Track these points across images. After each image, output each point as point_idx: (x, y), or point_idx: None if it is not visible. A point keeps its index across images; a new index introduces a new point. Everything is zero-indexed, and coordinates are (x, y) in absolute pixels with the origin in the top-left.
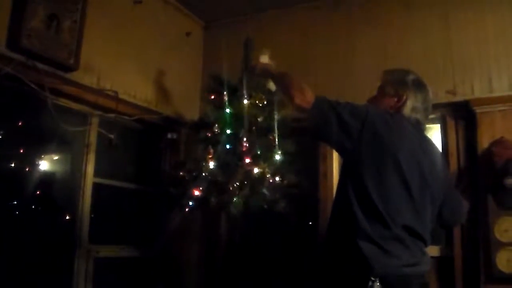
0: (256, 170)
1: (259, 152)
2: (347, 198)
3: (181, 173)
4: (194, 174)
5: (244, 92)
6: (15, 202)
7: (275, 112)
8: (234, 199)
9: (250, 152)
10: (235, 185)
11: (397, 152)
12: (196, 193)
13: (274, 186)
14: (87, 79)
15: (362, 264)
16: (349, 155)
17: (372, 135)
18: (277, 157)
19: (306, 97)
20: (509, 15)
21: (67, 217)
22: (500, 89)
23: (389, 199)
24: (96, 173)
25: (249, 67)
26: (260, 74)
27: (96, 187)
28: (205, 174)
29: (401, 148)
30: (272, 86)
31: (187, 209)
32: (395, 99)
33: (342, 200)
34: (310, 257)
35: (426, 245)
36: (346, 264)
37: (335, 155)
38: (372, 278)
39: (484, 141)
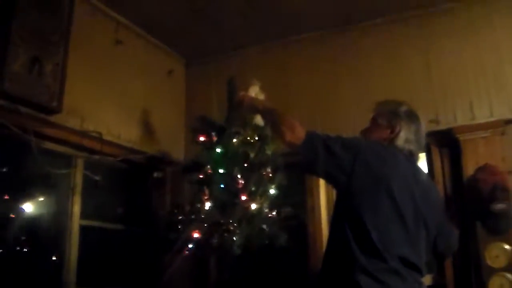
0: (253, 206)
1: (253, 189)
2: (342, 232)
3: (179, 217)
4: (191, 216)
5: (232, 130)
6: (3, 246)
7: (266, 147)
8: (234, 238)
9: (245, 189)
10: (235, 224)
11: (390, 184)
12: (196, 235)
13: (272, 220)
14: (71, 121)
15: None
16: (343, 188)
17: (364, 168)
18: (272, 191)
19: (296, 133)
20: (486, 44)
21: (55, 260)
22: (481, 116)
23: (384, 231)
24: (83, 215)
25: (235, 101)
26: (247, 109)
27: (83, 229)
28: (202, 215)
29: (394, 180)
30: (259, 121)
31: (187, 252)
32: (388, 131)
33: (337, 234)
34: None
35: (422, 275)
36: None
37: (323, 189)
38: None
39: (469, 168)
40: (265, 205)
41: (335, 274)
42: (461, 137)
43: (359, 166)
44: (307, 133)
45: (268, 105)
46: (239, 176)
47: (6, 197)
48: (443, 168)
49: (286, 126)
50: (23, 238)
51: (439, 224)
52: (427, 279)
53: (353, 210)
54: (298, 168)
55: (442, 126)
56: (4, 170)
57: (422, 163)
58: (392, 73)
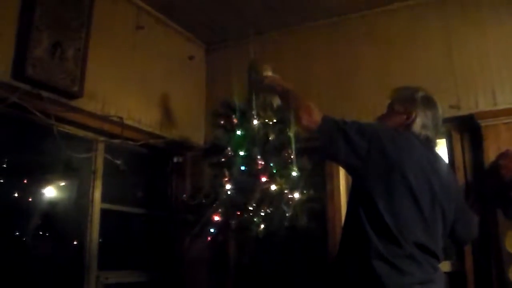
0: (273, 187)
1: (274, 171)
2: (358, 218)
3: (199, 200)
4: (211, 199)
5: (253, 112)
6: (24, 231)
7: (287, 129)
8: (255, 219)
9: (265, 170)
10: (254, 205)
11: (405, 169)
12: (216, 218)
13: (293, 202)
14: (92, 106)
15: (376, 283)
16: (358, 174)
17: (379, 154)
18: (294, 173)
19: (312, 118)
20: (510, 27)
21: (76, 244)
22: (504, 102)
23: (399, 216)
24: (104, 199)
25: (257, 80)
26: (266, 89)
27: (104, 213)
28: (223, 197)
29: (409, 165)
30: (277, 101)
31: (207, 235)
32: (404, 117)
33: (353, 220)
34: (320, 277)
35: (439, 261)
36: (360, 284)
37: (342, 174)
38: None
39: (490, 154)
40: (285, 186)
41: (351, 260)
42: (483, 123)
43: (374, 152)
44: (323, 118)
45: (287, 87)
46: (259, 157)
47: (28, 181)
48: (463, 154)
49: (303, 110)
50: (45, 222)
51: (458, 210)
52: (445, 266)
53: (368, 196)
54: (317, 153)
55: (463, 112)
56: (27, 154)
57: (442, 149)
58: (413, 57)
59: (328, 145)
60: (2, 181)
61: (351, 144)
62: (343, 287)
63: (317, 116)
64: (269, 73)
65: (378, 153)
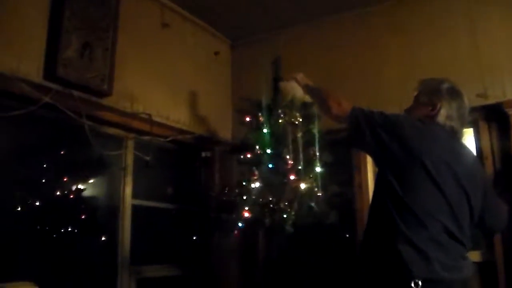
0: (303, 185)
1: (299, 167)
2: (384, 204)
3: (229, 197)
4: (241, 196)
5: (280, 111)
6: (58, 227)
7: (312, 126)
8: (285, 216)
9: (293, 168)
10: (285, 203)
11: (428, 160)
12: (246, 215)
13: (321, 199)
14: (121, 104)
15: (402, 268)
16: (382, 163)
17: (403, 144)
18: (318, 169)
19: (342, 107)
20: None
21: (109, 240)
22: None
23: (425, 204)
24: (134, 195)
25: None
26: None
27: (135, 208)
28: (251, 195)
29: (432, 156)
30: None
31: (236, 232)
32: (429, 108)
33: (379, 206)
34: (349, 269)
35: (466, 250)
36: (386, 269)
37: (370, 166)
38: (413, 283)
39: None
40: (315, 184)
41: (377, 244)
42: (511, 111)
43: (396, 143)
44: (353, 108)
45: (314, 84)
46: (287, 156)
47: (63, 178)
48: (491, 143)
49: (333, 100)
50: (79, 218)
51: (486, 199)
52: (475, 256)
53: (392, 183)
54: (344, 143)
55: (490, 100)
56: (59, 152)
57: (470, 138)
58: (438, 47)
59: (356, 134)
60: (42, 180)
61: (375, 134)
62: (369, 272)
63: (346, 106)
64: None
65: (400, 144)
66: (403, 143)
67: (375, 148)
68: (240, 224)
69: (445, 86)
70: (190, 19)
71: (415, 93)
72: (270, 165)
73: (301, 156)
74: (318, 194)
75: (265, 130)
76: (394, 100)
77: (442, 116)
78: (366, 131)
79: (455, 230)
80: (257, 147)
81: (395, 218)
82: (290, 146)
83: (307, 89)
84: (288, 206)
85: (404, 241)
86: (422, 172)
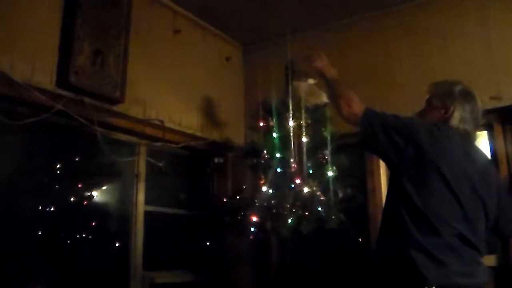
0: (306, 189)
1: (310, 171)
2: (397, 210)
3: (239, 202)
4: (251, 201)
5: (290, 114)
6: (70, 234)
7: (323, 129)
8: (290, 220)
9: (300, 172)
10: (287, 206)
11: (441, 165)
12: (254, 219)
13: (327, 203)
14: (134, 110)
15: (416, 275)
16: (395, 167)
17: (416, 149)
18: (329, 173)
19: (352, 109)
20: None
21: (121, 246)
22: None
23: (439, 209)
24: (147, 201)
25: (305, 58)
26: (315, 71)
27: (148, 214)
28: (258, 200)
29: (446, 161)
30: (324, 97)
31: (249, 236)
32: (442, 111)
33: (392, 212)
34: (363, 275)
35: (480, 255)
36: (400, 276)
37: (383, 170)
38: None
39: None
40: (317, 188)
41: (390, 251)
42: None
43: (411, 147)
44: (365, 110)
45: (335, 75)
46: (292, 160)
47: (76, 185)
48: (506, 146)
49: (344, 101)
50: (92, 224)
51: (501, 203)
52: (490, 260)
53: (405, 188)
54: (357, 147)
55: (504, 103)
56: (72, 159)
57: (484, 141)
58: (451, 51)
59: (369, 137)
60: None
61: (389, 138)
62: (382, 279)
63: (358, 108)
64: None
65: (415, 148)
66: (418, 147)
67: (389, 152)
68: (252, 229)
69: (458, 88)
70: (201, 25)
71: (427, 96)
72: (278, 170)
73: (304, 160)
74: (322, 198)
75: (274, 135)
76: (407, 104)
77: (455, 119)
78: (380, 134)
79: (469, 236)
80: (265, 151)
81: (408, 224)
82: (296, 150)
83: (327, 78)
84: (288, 210)
85: (418, 248)
86: (437, 177)
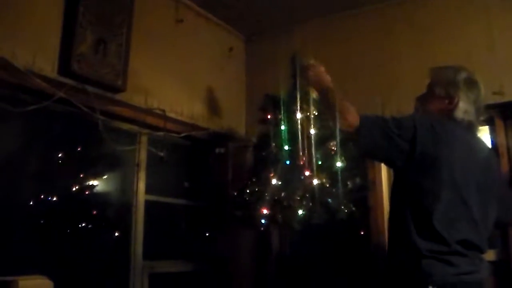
0: (315, 181)
1: (319, 163)
2: (403, 218)
3: (246, 196)
4: (258, 193)
5: (298, 106)
6: (71, 222)
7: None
8: (300, 212)
9: (309, 164)
10: (297, 198)
11: (447, 165)
12: (265, 211)
13: (336, 194)
14: (135, 99)
15: (422, 273)
16: (400, 172)
17: (420, 151)
18: (338, 164)
19: (348, 121)
20: None
21: (122, 235)
22: None
23: (445, 215)
24: (148, 191)
25: (302, 67)
26: (311, 80)
27: (148, 204)
28: (268, 193)
29: (451, 158)
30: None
31: (262, 228)
32: (446, 101)
33: (398, 219)
34: (363, 266)
35: (482, 253)
36: (405, 273)
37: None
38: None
39: None
40: (326, 179)
41: (400, 261)
42: None
43: (414, 151)
44: (361, 119)
45: (329, 85)
46: (300, 152)
47: (77, 173)
48: (507, 141)
49: (342, 111)
50: (93, 213)
51: (502, 195)
52: (490, 255)
53: (411, 194)
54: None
55: (507, 98)
56: (73, 147)
57: (485, 136)
58: (454, 44)
59: (369, 146)
60: (55, 174)
61: (393, 144)
62: (388, 278)
63: (353, 119)
64: (312, 61)
65: (418, 151)
66: (422, 150)
67: (394, 158)
68: (263, 221)
69: (462, 76)
70: (204, 14)
71: (428, 81)
72: (287, 162)
73: (313, 151)
74: (333, 189)
75: (282, 127)
76: (409, 97)
77: (460, 110)
78: (382, 142)
79: (475, 239)
80: (273, 144)
81: (412, 233)
82: (304, 142)
83: (320, 89)
84: (298, 203)
85: (425, 256)
86: (444, 180)
